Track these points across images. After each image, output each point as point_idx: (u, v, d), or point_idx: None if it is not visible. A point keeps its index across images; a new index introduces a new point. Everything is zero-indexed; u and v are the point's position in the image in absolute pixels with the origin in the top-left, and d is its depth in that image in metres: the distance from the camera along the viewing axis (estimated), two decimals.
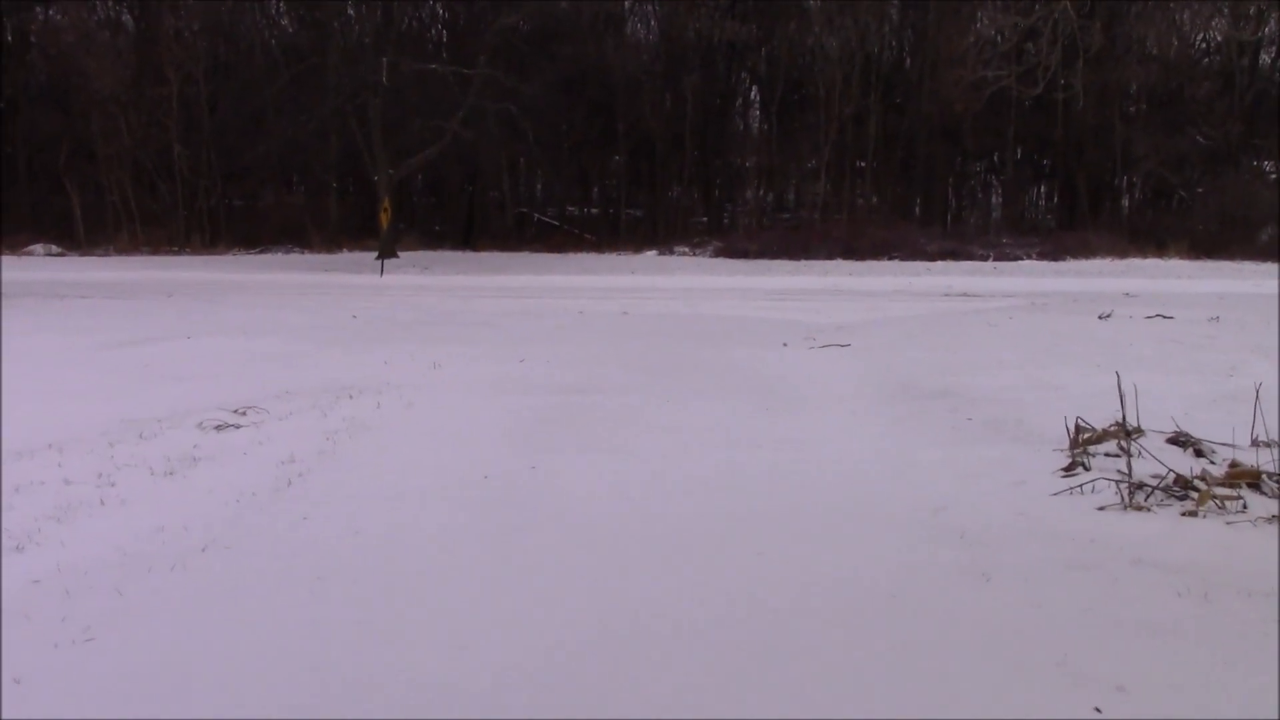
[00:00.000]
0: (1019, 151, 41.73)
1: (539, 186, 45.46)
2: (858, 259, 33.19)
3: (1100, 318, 13.03)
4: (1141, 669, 3.40)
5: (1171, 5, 37.98)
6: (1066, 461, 5.95)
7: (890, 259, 33.22)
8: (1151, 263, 32.42)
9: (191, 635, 3.77)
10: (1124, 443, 5.90)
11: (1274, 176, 38.67)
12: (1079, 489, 5.40)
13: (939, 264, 32.20)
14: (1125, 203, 40.91)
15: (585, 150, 41.91)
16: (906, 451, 6.55)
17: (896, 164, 41.12)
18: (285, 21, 41.94)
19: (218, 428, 7.15)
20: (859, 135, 39.30)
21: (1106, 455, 5.92)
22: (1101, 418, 6.92)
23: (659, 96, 39.90)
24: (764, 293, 22.78)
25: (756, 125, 44.47)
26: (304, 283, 25.84)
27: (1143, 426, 6.25)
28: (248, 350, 10.82)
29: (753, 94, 44.55)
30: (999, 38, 35.43)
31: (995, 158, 42.91)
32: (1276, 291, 20.33)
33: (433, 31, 41.67)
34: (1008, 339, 11.30)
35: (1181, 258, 33.23)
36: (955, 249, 34.57)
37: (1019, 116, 38.13)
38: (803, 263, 32.19)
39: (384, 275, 27.85)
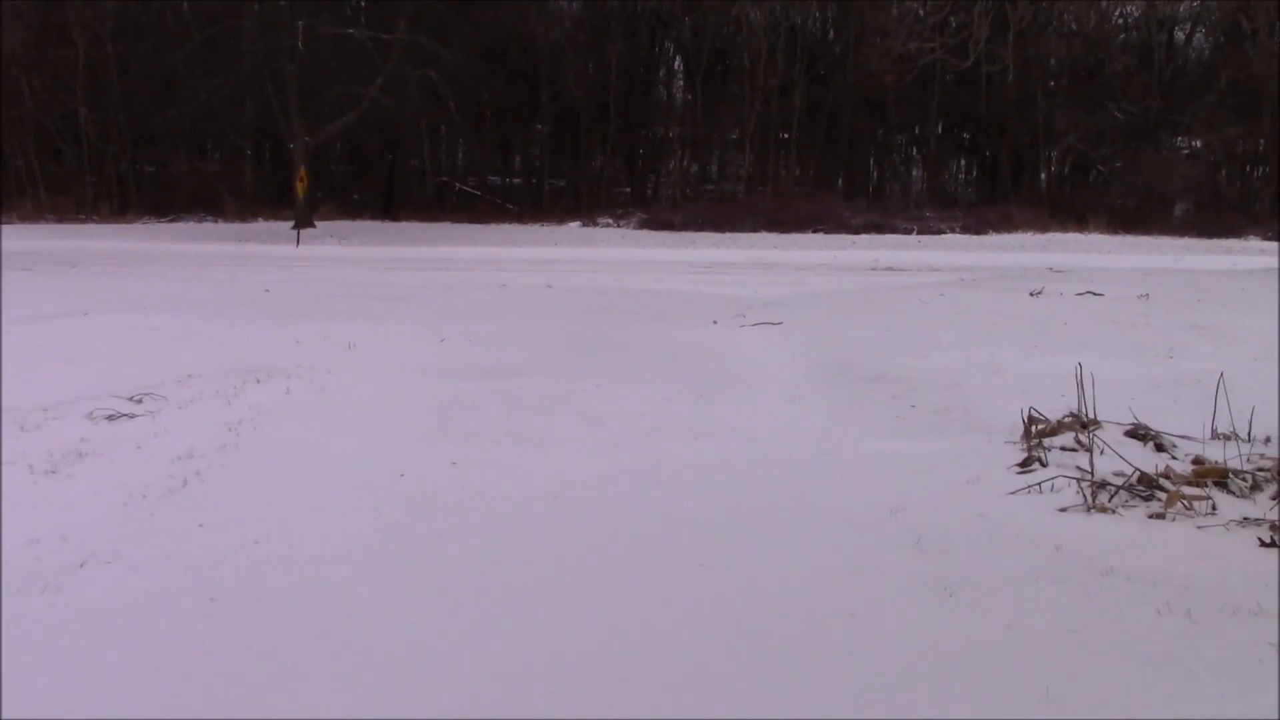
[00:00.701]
0: (940, 125, 41.72)
1: (460, 155, 44.58)
2: (783, 231, 32.93)
3: (1032, 295, 12.80)
4: (1134, 703, 3.07)
5: None
6: (1021, 455, 5.64)
7: (815, 232, 33.02)
8: (1072, 237, 32.61)
9: (59, 675, 3.28)
10: (1081, 436, 5.60)
11: (1187, 153, 39.13)
12: (1037, 487, 5.09)
13: (864, 237, 32.09)
14: (1044, 177, 41.13)
15: (508, 119, 41.10)
16: (853, 442, 6.24)
17: (821, 136, 40.89)
18: None
19: (109, 417, 6.56)
20: (784, 107, 39.04)
21: (1063, 449, 5.60)
22: (1048, 403, 6.65)
23: (582, 65, 39.25)
24: (690, 265, 22.42)
25: (680, 95, 44.00)
26: (216, 253, 25.01)
27: (1098, 417, 5.95)
28: (150, 328, 10.08)
29: (676, 64, 44.05)
30: (920, 11, 35.49)
31: (917, 130, 42.86)
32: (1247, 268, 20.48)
33: None
34: (942, 317, 11.00)
35: (1101, 232, 33.46)
36: (879, 222, 34.50)
37: (942, 90, 38.07)
38: (728, 235, 31.87)
39: (300, 246, 27.07)
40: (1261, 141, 37.29)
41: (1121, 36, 40.45)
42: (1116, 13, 40.13)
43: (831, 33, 41.77)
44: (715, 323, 11.39)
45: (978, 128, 41.66)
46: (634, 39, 40.69)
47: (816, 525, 4.69)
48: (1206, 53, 40.72)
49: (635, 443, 6.23)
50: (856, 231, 33.10)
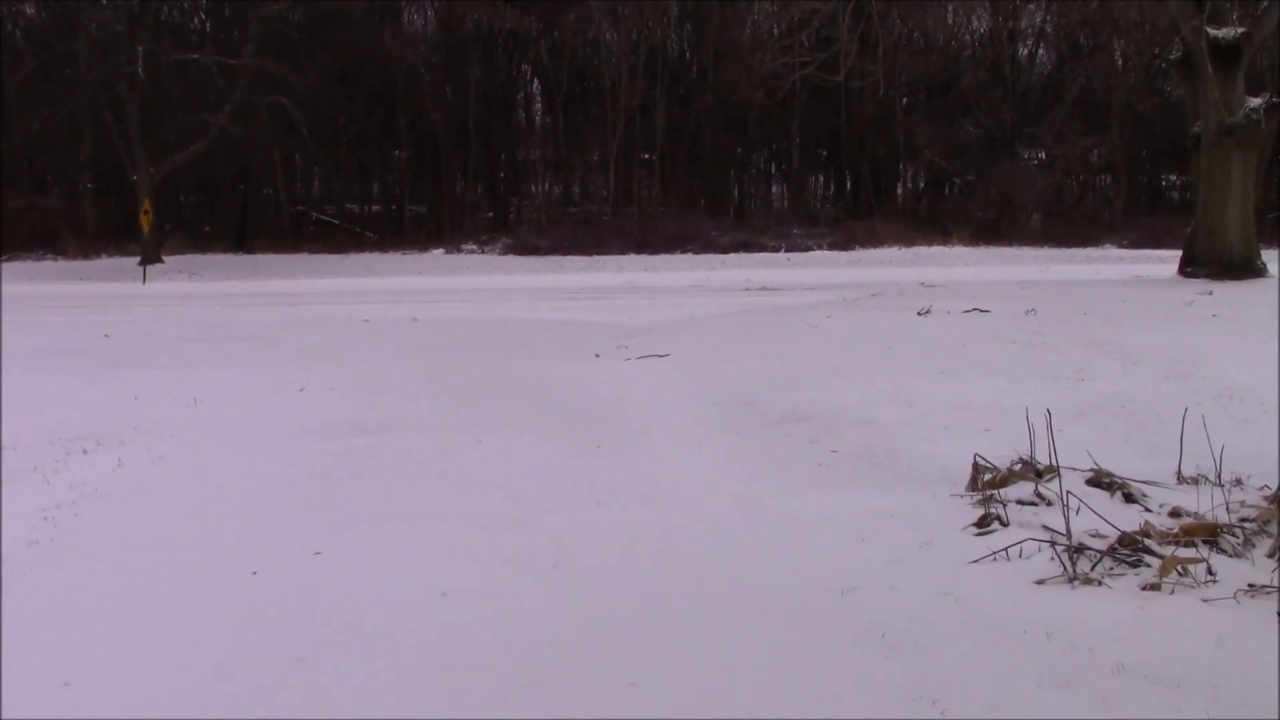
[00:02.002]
0: (800, 142, 41.78)
1: (316, 183, 43.11)
2: (651, 253, 32.48)
3: (920, 314, 12.39)
4: None
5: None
6: (970, 510, 5.00)
7: (684, 252, 32.61)
8: (936, 250, 32.84)
9: None
10: (1041, 487, 4.99)
11: (1035, 164, 39.86)
12: (1004, 553, 4.43)
13: (733, 256, 31.80)
14: (904, 191, 41.58)
15: (365, 145, 39.89)
16: (776, 499, 5.55)
17: (684, 156, 40.61)
18: (28, 7, 38.30)
19: None
20: (646, 127, 38.64)
21: (1020, 503, 4.96)
22: (973, 439, 6.16)
23: (440, 88, 38.29)
24: (560, 291, 21.69)
25: (541, 118, 43.32)
26: (54, 294, 23.36)
27: (1043, 460, 5.36)
28: None
29: (535, 86, 43.38)
30: (775, 29, 35.50)
31: (778, 147, 42.92)
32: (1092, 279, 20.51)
33: (195, 20, 38.88)
34: (835, 343, 10.45)
35: (964, 244, 33.80)
36: (747, 240, 34.29)
37: (802, 107, 38.12)
38: (596, 258, 31.24)
39: (147, 283, 25.57)
40: (1097, 152, 38.14)
41: (969, 52, 41.15)
42: (964, 29, 40.85)
43: (688, 53, 41.61)
44: (597, 356, 10.63)
45: (838, 144, 41.90)
46: (492, 61, 39.97)
47: (759, 617, 3.95)
48: (1049, 68, 41.70)
49: (527, 514, 5.43)
50: (725, 251, 32.80)
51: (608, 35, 38.82)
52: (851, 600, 4.06)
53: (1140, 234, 32.83)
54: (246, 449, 6.83)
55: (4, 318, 16.82)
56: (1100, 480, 5.14)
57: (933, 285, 20.47)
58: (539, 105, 43.49)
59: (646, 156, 40.32)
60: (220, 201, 40.90)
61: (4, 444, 6.82)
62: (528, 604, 4.13)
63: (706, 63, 38.94)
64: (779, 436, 6.87)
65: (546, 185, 41.67)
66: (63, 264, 33.12)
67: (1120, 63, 37.73)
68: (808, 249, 33.12)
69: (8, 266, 33.02)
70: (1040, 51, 41.85)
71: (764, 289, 21.33)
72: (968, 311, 12.55)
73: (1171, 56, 19.94)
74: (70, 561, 4.77)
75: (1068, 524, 4.39)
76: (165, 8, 35.11)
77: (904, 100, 38.91)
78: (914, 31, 38.54)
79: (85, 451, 6.74)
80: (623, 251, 32.66)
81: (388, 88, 37.28)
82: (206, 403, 8.31)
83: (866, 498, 5.48)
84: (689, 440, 6.90)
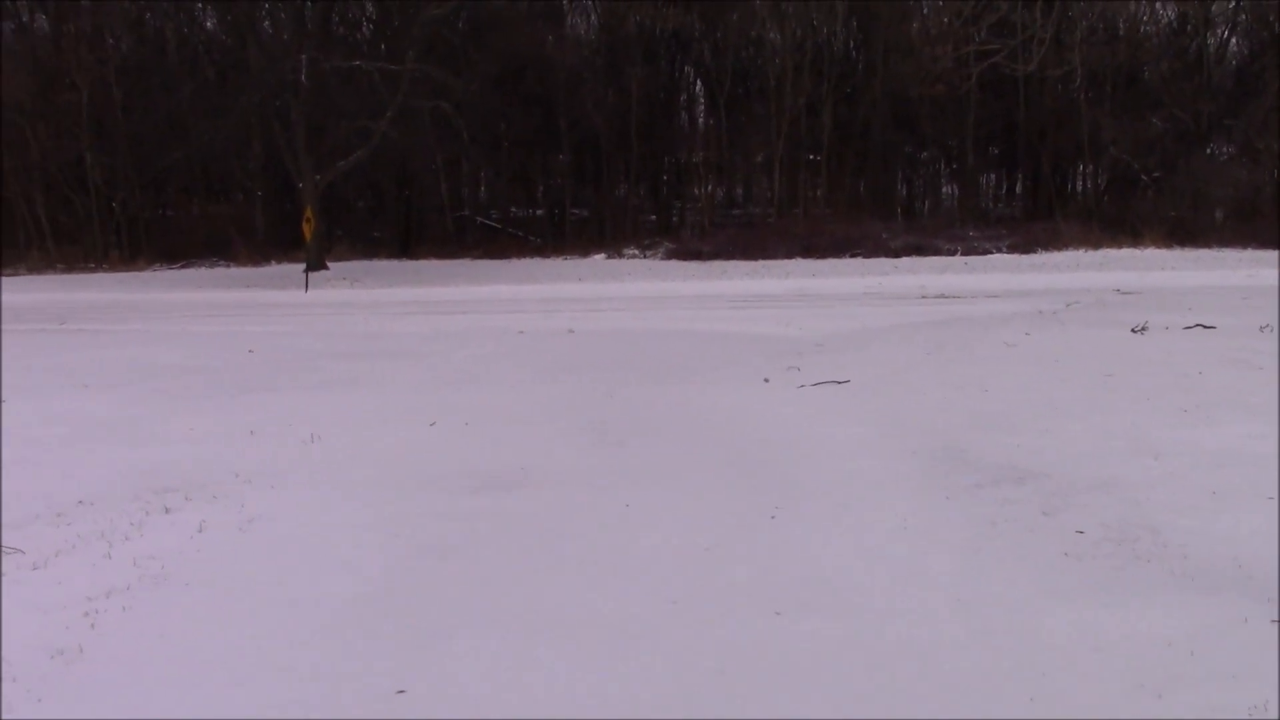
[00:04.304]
0: (974, 139, 39.77)
1: (481, 188, 43.01)
2: (818, 257, 31.13)
3: (1134, 331, 10.94)
4: None
5: None
6: None
7: (852, 256, 31.17)
8: (1127, 252, 30.66)
9: None
10: None
11: (1230, 158, 37.09)
12: None
13: (905, 260, 30.24)
14: (1084, 189, 39.22)
15: (526, 149, 39.59)
16: (1018, 613, 4.21)
17: (851, 155, 39.12)
18: (207, 20, 39.14)
19: None
20: (812, 127, 37.32)
21: None
22: (1260, 512, 4.80)
23: (601, 91, 37.68)
24: (724, 299, 20.69)
25: (704, 119, 42.35)
26: (221, 301, 23.48)
27: None
28: (75, 416, 8.36)
29: (698, 87, 42.44)
30: (948, 20, 33.80)
31: (952, 145, 40.98)
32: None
33: (363, 28, 39.11)
34: (1041, 368, 9.09)
35: (1156, 245, 31.52)
36: (919, 243, 32.60)
37: (978, 102, 36.20)
38: (760, 263, 30.07)
39: (309, 291, 25.53)
40: None
41: (1156, 40, 38.51)
42: (1146, 15, 38.27)
43: (854, 50, 40.15)
44: (766, 381, 9.52)
45: (1014, 140, 39.79)
46: (653, 63, 39.17)
47: None
48: (1245, 56, 38.79)
49: (683, 626, 4.20)
50: (896, 255, 31.21)
51: (772, 34, 37.76)
52: None
53: None
54: (353, 508, 5.94)
55: (170, 327, 16.68)
56: None
57: (1131, 293, 18.86)
58: (701, 106, 42.60)
59: (812, 157, 39.02)
60: (385, 208, 41.14)
61: (81, 499, 6.06)
62: None
63: (875, 59, 37.39)
64: (1000, 505, 5.56)
65: (710, 188, 40.70)
66: (234, 270, 33.68)
67: None
68: (985, 252, 31.29)
69: (185, 273, 33.66)
70: (1233, 41, 39.14)
71: (942, 297, 19.95)
72: (1189, 328, 11.05)
73: None
74: (101, 686, 3.81)
75: None
76: (333, 17, 35.33)
77: (1087, 93, 36.63)
78: (1096, 19, 36.34)
79: (168, 510, 5.85)
80: (788, 256, 31.43)
81: (549, 91, 36.86)
82: (326, 438, 7.51)
83: (1142, 615, 4.11)
84: (887, 508, 5.65)
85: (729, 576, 4.71)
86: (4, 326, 17.03)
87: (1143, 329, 11.04)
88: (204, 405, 8.75)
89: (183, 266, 35.66)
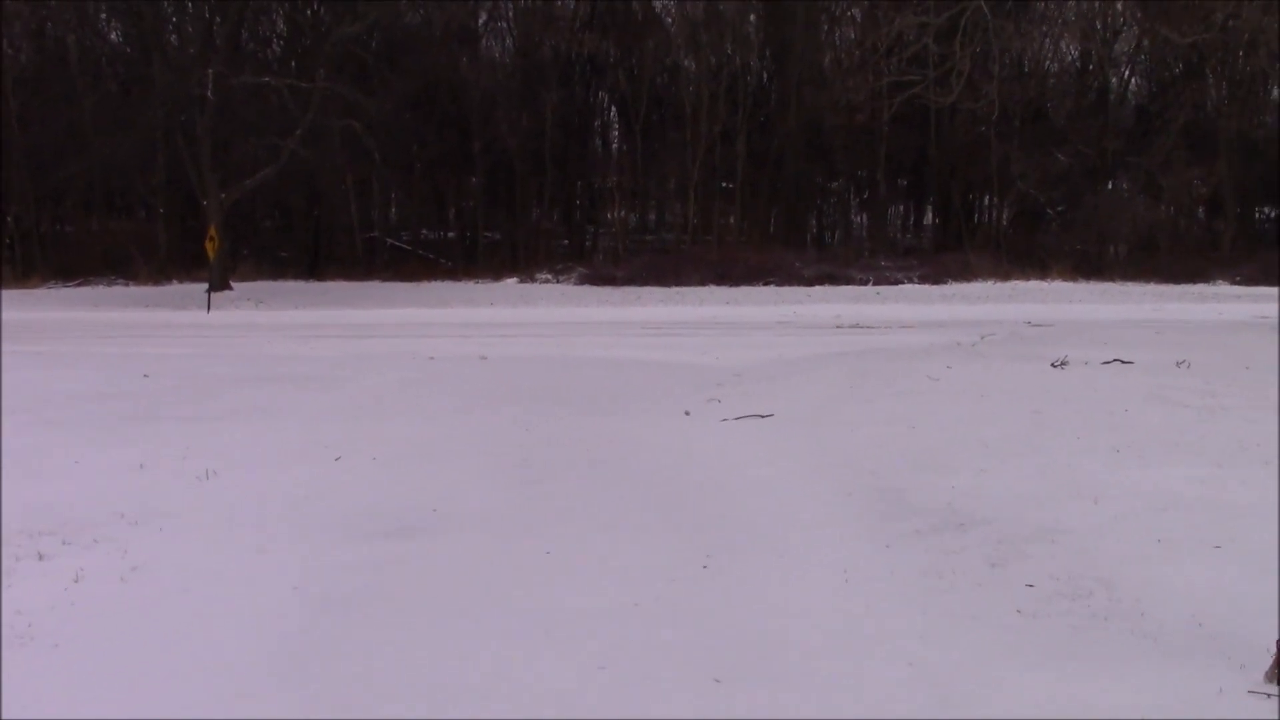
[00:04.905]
0: (885, 170, 40.14)
1: (392, 210, 42.34)
2: (732, 284, 31.14)
3: (1055, 366, 10.87)
4: None
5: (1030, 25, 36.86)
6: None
7: (766, 284, 31.22)
8: (1035, 284, 31.17)
9: None
10: None
11: (1133, 195, 37.91)
12: None
13: (818, 289, 30.39)
14: (991, 221, 39.79)
15: (439, 170, 39.12)
16: (977, 682, 3.84)
17: (765, 184, 39.23)
18: (112, 32, 38.02)
19: None
20: (726, 155, 37.38)
21: None
22: (1208, 562, 4.63)
23: (516, 114, 37.36)
24: (639, 326, 20.45)
25: (617, 144, 42.26)
26: (114, 321, 22.63)
27: None
28: None
29: (612, 113, 42.34)
30: (859, 52, 34.09)
31: (863, 175, 41.34)
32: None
33: (273, 44, 38.34)
34: (968, 402, 8.91)
35: (1063, 278, 32.08)
36: (833, 273, 32.85)
37: (890, 134, 36.54)
38: (675, 290, 29.95)
39: (211, 311, 24.80)
40: (1198, 181, 36.02)
41: (1053, 81, 39.27)
42: (1051, 54, 39.02)
43: (768, 77, 40.35)
44: (687, 414, 9.24)
45: (924, 172, 40.28)
46: (569, 87, 38.99)
47: None
48: (1147, 94, 39.77)
49: (611, 701, 3.72)
50: (809, 283, 31.35)
51: (687, 61, 37.85)
52: None
53: (1254, 269, 30.76)
54: (247, 555, 5.42)
55: (63, 348, 15.91)
56: None
57: (1042, 325, 18.97)
58: (616, 132, 42.53)
59: (726, 185, 39.12)
60: (293, 227, 40.30)
61: None
62: None
63: (789, 89, 37.60)
64: (945, 555, 5.21)
65: (623, 213, 40.56)
66: (133, 289, 32.66)
67: (1219, 93, 35.91)
68: (897, 282, 31.55)
69: (80, 291, 32.49)
70: (1133, 81, 40.12)
71: (857, 326, 19.93)
72: (1107, 363, 11.01)
73: None
74: None
75: None
76: (242, 32, 34.58)
77: (996, 127, 37.18)
78: (1004, 54, 36.91)
79: (41, 557, 5.28)
80: (702, 283, 31.38)
81: (463, 113, 36.52)
82: (222, 474, 6.97)
83: (1112, 686, 3.77)
84: (826, 556, 5.28)
85: (660, 637, 4.31)
86: None
87: (1063, 363, 10.98)
88: (91, 436, 8.18)
89: (79, 284, 34.45)
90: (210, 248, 27.54)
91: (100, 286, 33.72)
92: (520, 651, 4.17)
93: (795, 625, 4.35)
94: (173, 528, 5.86)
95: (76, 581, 4.95)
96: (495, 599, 4.77)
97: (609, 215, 40.98)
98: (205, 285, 28.51)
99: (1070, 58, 39.84)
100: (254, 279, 33.56)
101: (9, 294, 30.86)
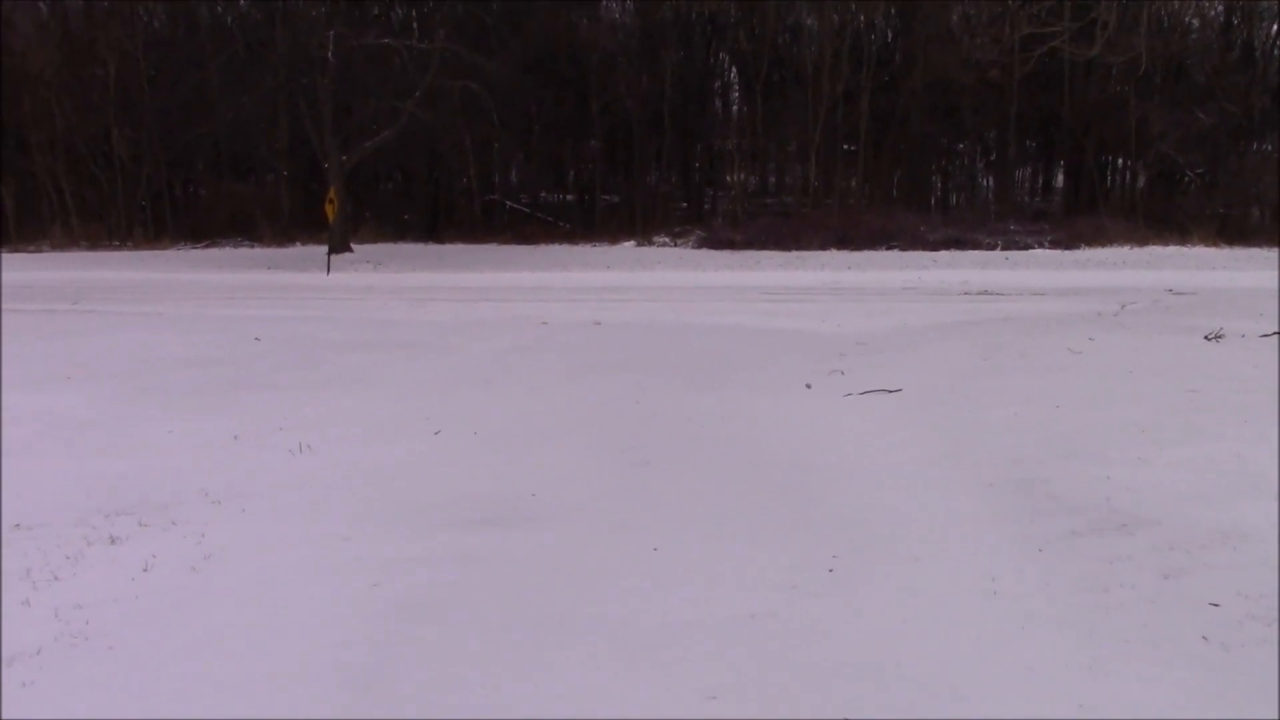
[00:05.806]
0: (1014, 131, 38.65)
1: (511, 172, 42.24)
2: (853, 249, 30.27)
3: (1209, 339, 10.06)
4: None
5: None
6: None
7: (889, 249, 30.28)
8: (1174, 250, 29.65)
9: None
10: None
11: (1274, 157, 35.93)
12: None
13: (943, 254, 29.29)
14: (1125, 184, 38.05)
15: (557, 133, 38.83)
16: None
17: (889, 145, 38.11)
18: None
19: None
20: (849, 115, 36.37)
21: None
22: None
23: (635, 76, 36.86)
24: (757, 291, 19.86)
25: (737, 106, 41.42)
26: (239, 283, 22.81)
27: None
28: (46, 415, 7.55)
29: (731, 74, 41.50)
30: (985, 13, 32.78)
31: (986, 136, 39.90)
32: None
33: (394, 7, 38.35)
34: (1113, 380, 8.16)
35: (1204, 244, 30.47)
36: (959, 237, 31.66)
37: (1021, 93, 35.09)
38: (794, 254, 29.20)
39: (330, 274, 24.85)
40: None
41: (1195, 36, 37.24)
42: (1192, 10, 36.99)
43: (893, 36, 39.13)
44: (809, 387, 8.70)
45: (1054, 133, 38.67)
46: (688, 48, 38.31)
47: None
48: None
49: None
50: (934, 248, 30.28)
51: (809, 20, 36.89)
52: None
53: None
54: (328, 545, 5.02)
55: (185, 310, 15.95)
56: None
57: (1184, 293, 17.90)
58: (736, 93, 41.69)
59: (848, 147, 38.10)
60: (413, 190, 40.47)
61: (18, 521, 5.18)
62: None
63: (915, 47, 36.37)
64: (1108, 563, 4.52)
65: (742, 176, 39.81)
66: (257, 251, 33.17)
67: None
68: (1027, 247, 30.30)
69: (208, 253, 33.04)
70: None
71: (985, 293, 19.05)
72: (1266, 336, 10.15)
73: None
74: None
75: None
76: None
77: (1136, 84, 35.47)
78: (1150, 5, 35.17)
79: (113, 541, 4.93)
80: (823, 247, 30.58)
81: (582, 75, 36.17)
82: (316, 449, 6.65)
83: None
84: (968, 561, 4.67)
85: (782, 659, 3.77)
86: (13, 307, 16.43)
87: (1217, 336, 10.14)
88: (192, 403, 7.98)
89: (207, 246, 35.15)
90: (330, 210, 27.64)
91: (227, 248, 34.38)
92: (616, 676, 3.68)
93: (936, 649, 3.79)
94: (255, 509, 5.55)
95: (146, 570, 4.64)
96: (592, 608, 4.30)
97: (728, 178, 40.24)
98: (326, 248, 28.68)
99: (1214, 12, 37.83)
100: (374, 241, 33.79)
101: (141, 255, 31.51)
